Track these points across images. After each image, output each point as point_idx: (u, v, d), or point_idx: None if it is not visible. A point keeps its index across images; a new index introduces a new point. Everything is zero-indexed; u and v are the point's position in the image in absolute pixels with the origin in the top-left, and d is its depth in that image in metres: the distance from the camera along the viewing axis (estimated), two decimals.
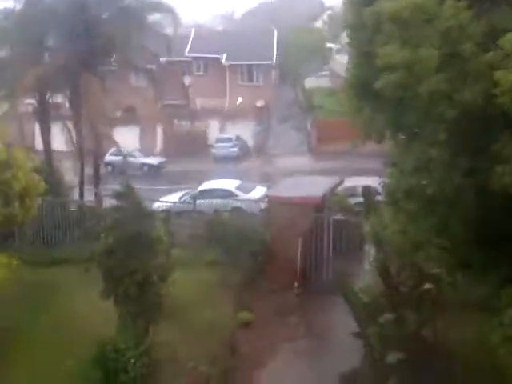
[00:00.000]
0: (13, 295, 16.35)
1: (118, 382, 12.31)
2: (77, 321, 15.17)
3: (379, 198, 16.11)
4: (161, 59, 27.67)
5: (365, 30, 9.58)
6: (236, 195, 25.31)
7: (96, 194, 24.83)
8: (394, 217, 11.00)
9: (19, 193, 14.98)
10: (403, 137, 10.52)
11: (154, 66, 28.39)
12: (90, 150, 25.42)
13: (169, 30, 27.75)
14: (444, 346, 12.88)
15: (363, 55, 9.80)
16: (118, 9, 25.19)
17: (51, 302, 16.61)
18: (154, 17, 25.51)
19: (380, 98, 9.19)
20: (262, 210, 21.08)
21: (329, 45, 66.23)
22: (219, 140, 48.14)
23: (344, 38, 11.54)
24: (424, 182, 9.72)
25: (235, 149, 47.35)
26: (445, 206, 9.60)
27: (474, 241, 9.98)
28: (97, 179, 25.96)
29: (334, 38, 61.08)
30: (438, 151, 9.45)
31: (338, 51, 58.08)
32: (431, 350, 12.65)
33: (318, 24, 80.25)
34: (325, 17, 79.79)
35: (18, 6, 24.07)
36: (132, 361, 12.38)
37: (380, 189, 15.58)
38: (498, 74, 8.02)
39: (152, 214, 14.37)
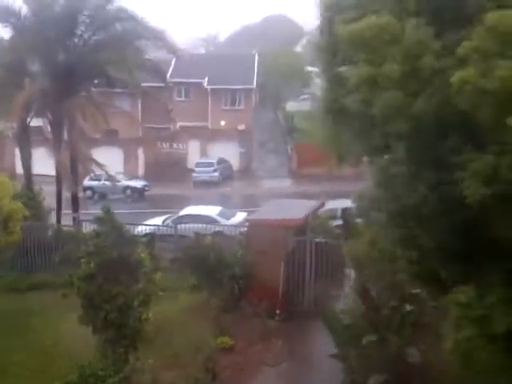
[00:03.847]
0: None
1: None
2: (55, 347, 15.05)
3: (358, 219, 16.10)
4: (143, 84, 27.60)
5: (334, 54, 9.58)
6: (217, 221, 25.36)
7: (74, 219, 24.67)
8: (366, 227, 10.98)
9: (3, 218, 14.93)
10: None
11: (136, 91, 28.44)
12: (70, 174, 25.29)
13: (154, 55, 27.70)
14: (428, 368, 12.83)
15: (335, 78, 9.75)
16: (105, 34, 25.20)
17: (25, 329, 16.40)
18: (141, 42, 25.46)
19: (353, 120, 9.19)
20: (240, 233, 21.03)
21: (309, 68, 66.79)
22: (200, 165, 47.47)
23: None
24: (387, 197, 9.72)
25: (216, 173, 46.85)
26: (410, 219, 9.53)
27: (443, 254, 9.87)
28: (75, 204, 25.77)
29: (314, 62, 61.60)
30: (398, 168, 9.49)
31: (318, 75, 58.52)
32: (415, 372, 12.61)
33: (299, 48, 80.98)
34: (304, 41, 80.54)
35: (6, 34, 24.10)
36: None
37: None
38: (452, 78, 7.86)
39: (133, 238, 14.26)
